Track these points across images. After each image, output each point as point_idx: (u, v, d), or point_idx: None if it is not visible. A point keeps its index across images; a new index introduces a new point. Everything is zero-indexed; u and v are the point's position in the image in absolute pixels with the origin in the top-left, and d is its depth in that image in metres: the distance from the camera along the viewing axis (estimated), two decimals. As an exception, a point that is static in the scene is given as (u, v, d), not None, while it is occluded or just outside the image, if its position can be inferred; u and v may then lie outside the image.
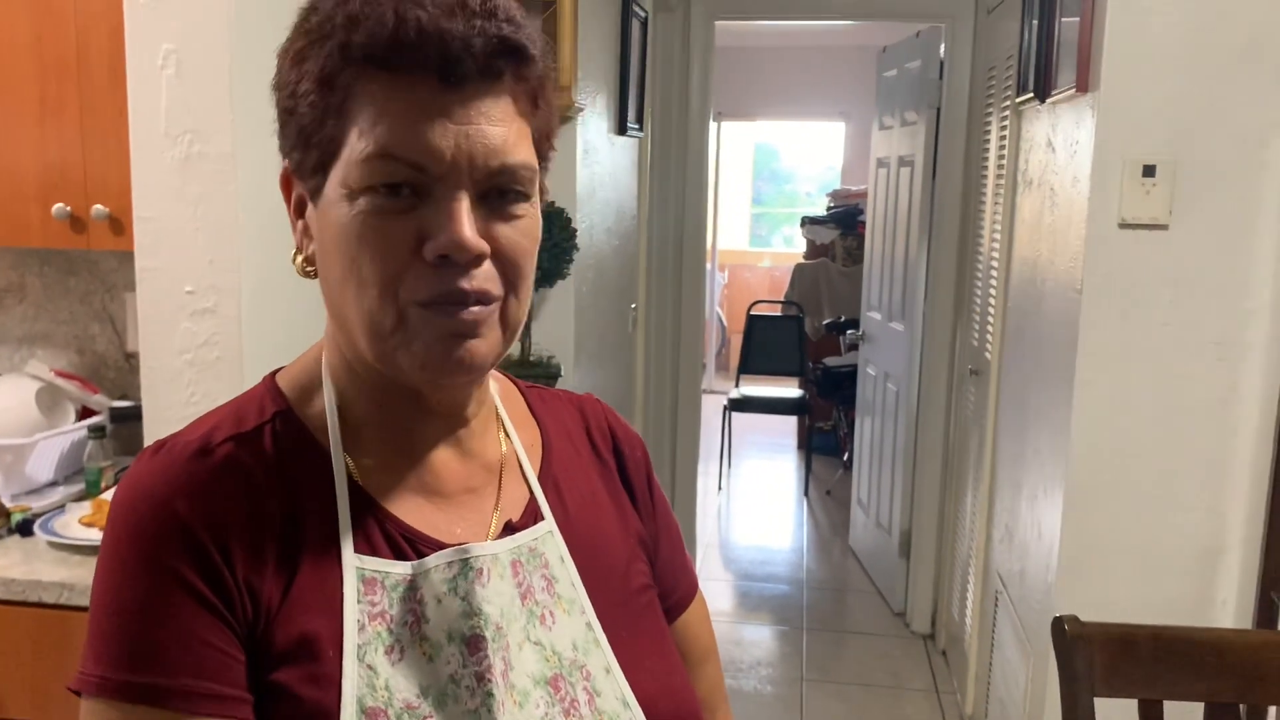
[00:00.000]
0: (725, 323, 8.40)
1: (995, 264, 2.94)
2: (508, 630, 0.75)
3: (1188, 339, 1.89)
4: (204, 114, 1.68)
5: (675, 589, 0.93)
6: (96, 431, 2.01)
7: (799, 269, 6.35)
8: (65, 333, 2.30)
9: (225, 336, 1.73)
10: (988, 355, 2.97)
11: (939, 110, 3.68)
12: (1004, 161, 2.87)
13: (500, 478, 0.83)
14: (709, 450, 5.29)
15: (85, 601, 0.71)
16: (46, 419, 2.11)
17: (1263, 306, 1.86)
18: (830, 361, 5.82)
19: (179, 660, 0.68)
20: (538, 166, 0.75)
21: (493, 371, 0.88)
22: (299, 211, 0.77)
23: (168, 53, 1.68)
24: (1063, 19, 2.13)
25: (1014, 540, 2.50)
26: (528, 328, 2.34)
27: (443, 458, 0.80)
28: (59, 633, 1.68)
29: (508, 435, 0.86)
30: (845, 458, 5.70)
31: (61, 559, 1.77)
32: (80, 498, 2.03)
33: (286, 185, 0.78)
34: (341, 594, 0.72)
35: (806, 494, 5.57)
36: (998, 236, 2.92)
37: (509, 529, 0.80)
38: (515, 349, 2.31)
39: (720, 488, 5.64)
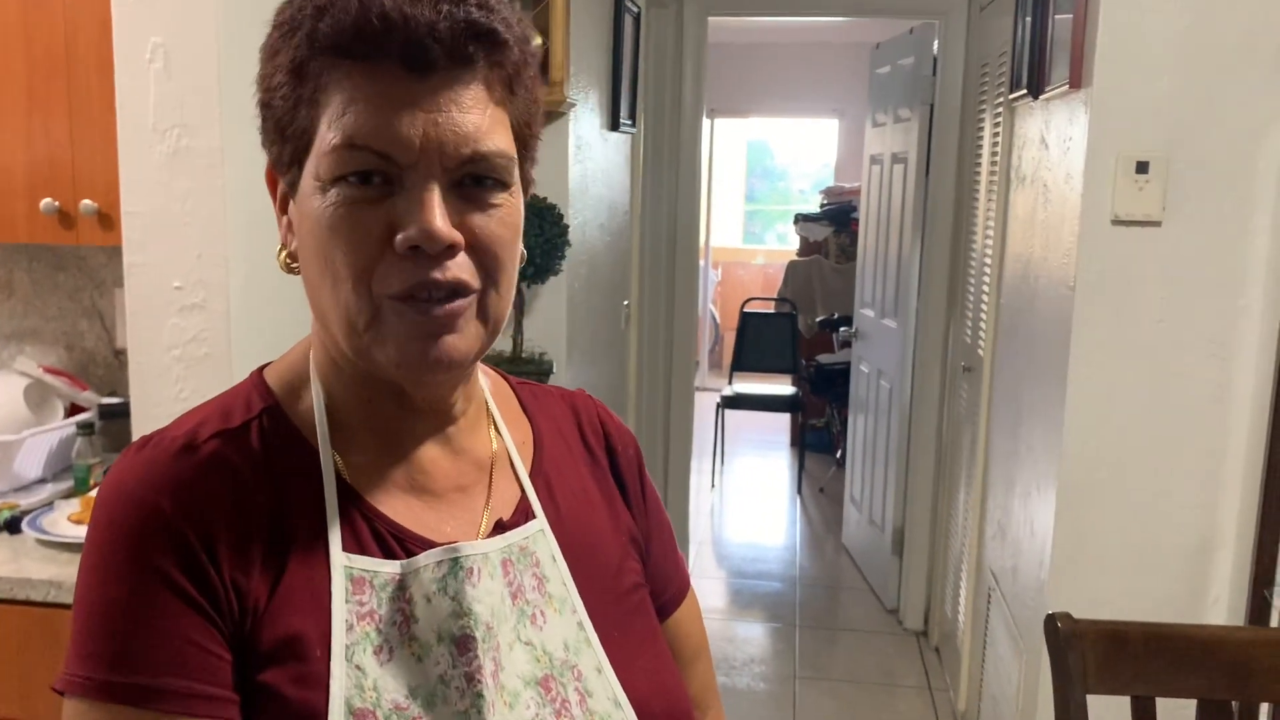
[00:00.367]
0: (718, 320, 8.40)
1: (988, 261, 2.94)
2: (498, 630, 0.74)
3: (1181, 336, 1.89)
4: (192, 108, 1.67)
5: (667, 587, 0.92)
6: (85, 428, 2.00)
7: (792, 266, 6.35)
8: (54, 329, 2.29)
9: (214, 332, 1.72)
10: (981, 352, 2.97)
11: (932, 107, 3.68)
12: (997, 158, 2.87)
13: (491, 475, 0.82)
14: (702, 447, 5.29)
15: (73, 599, 0.70)
16: (35, 416, 2.09)
17: (1255, 303, 1.86)
18: (823, 358, 5.82)
19: (164, 660, 0.67)
20: (515, 155, 0.74)
21: (484, 368, 0.88)
22: (283, 207, 0.77)
23: (155, 46, 1.67)
24: (1056, 15, 2.12)
25: (1007, 537, 2.50)
26: (519, 324, 2.33)
27: (432, 455, 0.79)
28: (47, 631, 1.67)
29: (498, 432, 0.85)
30: (838, 455, 5.71)
31: (50, 556, 1.75)
32: (69, 495, 2.01)
33: (271, 181, 0.77)
34: (329, 593, 0.71)
35: (799, 491, 5.57)
36: (991, 233, 2.92)
37: (499, 527, 0.79)
38: (507, 345, 2.30)
39: (713, 485, 5.64)
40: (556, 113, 2.35)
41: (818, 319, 5.92)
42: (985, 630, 2.78)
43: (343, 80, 0.69)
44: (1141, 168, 1.85)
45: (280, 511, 0.73)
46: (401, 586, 0.73)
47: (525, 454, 0.85)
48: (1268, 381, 1.86)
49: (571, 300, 2.54)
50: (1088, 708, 1.37)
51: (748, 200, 9.20)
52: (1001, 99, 2.83)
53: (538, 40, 2.08)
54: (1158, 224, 1.86)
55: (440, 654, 0.71)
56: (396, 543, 0.75)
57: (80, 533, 1.78)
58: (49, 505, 1.95)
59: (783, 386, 6.02)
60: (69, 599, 1.65)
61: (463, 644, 0.72)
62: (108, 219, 1.89)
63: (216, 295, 1.71)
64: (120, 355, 2.25)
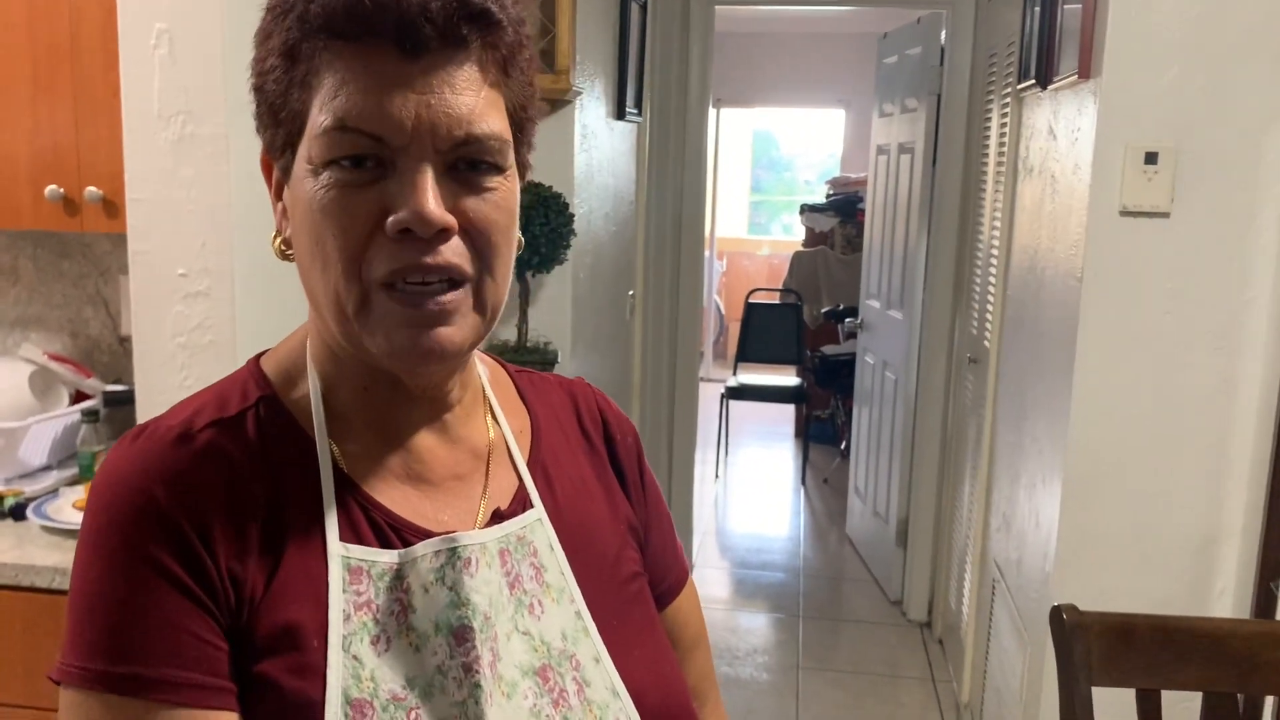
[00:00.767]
0: (723, 310, 8.38)
1: (995, 252, 2.93)
2: (496, 620, 0.73)
3: (1188, 328, 1.88)
4: (197, 95, 1.67)
5: (666, 576, 0.92)
6: (90, 415, 2.00)
7: (797, 257, 6.34)
8: (58, 316, 2.29)
9: (218, 319, 1.72)
10: (987, 344, 2.96)
11: (939, 97, 3.66)
12: (1005, 149, 2.86)
13: (488, 464, 0.82)
14: (706, 438, 5.29)
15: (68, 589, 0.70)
16: (40, 403, 2.09)
17: (1263, 295, 1.85)
18: (828, 350, 5.81)
19: (160, 650, 0.66)
20: (509, 138, 0.73)
21: (482, 356, 0.87)
22: (278, 193, 0.76)
23: (160, 33, 1.66)
24: (1065, 5, 2.11)
25: (1011, 529, 2.49)
26: (524, 314, 2.33)
27: (428, 444, 0.79)
28: (52, 617, 1.67)
29: (496, 421, 0.84)
30: (843, 446, 5.70)
31: (55, 543, 1.76)
32: (73, 482, 2.02)
33: (267, 167, 0.77)
34: (326, 583, 0.70)
35: (803, 482, 5.57)
36: (998, 224, 2.91)
37: (497, 517, 0.79)
38: (512, 335, 2.29)
39: (717, 476, 5.64)
40: (562, 101, 2.35)
41: (823, 310, 5.91)
42: (989, 622, 2.78)
43: (334, 62, 0.68)
44: (1150, 158, 1.84)
45: (276, 501, 0.72)
46: (399, 576, 0.72)
47: (523, 443, 0.85)
48: (1275, 374, 1.86)
49: (576, 290, 2.54)
50: (1093, 700, 1.37)
51: (753, 190, 9.18)
52: (1009, 89, 2.82)
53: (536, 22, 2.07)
54: (1166, 215, 1.85)
55: (438, 644, 0.71)
56: (393, 532, 0.74)
57: (84, 520, 1.79)
58: (54, 492, 1.95)
59: (787, 377, 6.01)
60: (73, 586, 1.66)
61: (460, 634, 0.71)
62: (112, 206, 1.89)
63: (221, 282, 1.71)
64: (125, 342, 2.25)
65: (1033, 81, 2.35)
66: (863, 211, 5.25)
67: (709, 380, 7.05)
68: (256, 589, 0.69)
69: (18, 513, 1.85)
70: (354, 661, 0.69)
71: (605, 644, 0.78)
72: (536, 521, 0.80)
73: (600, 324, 2.94)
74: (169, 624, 0.67)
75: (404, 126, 0.67)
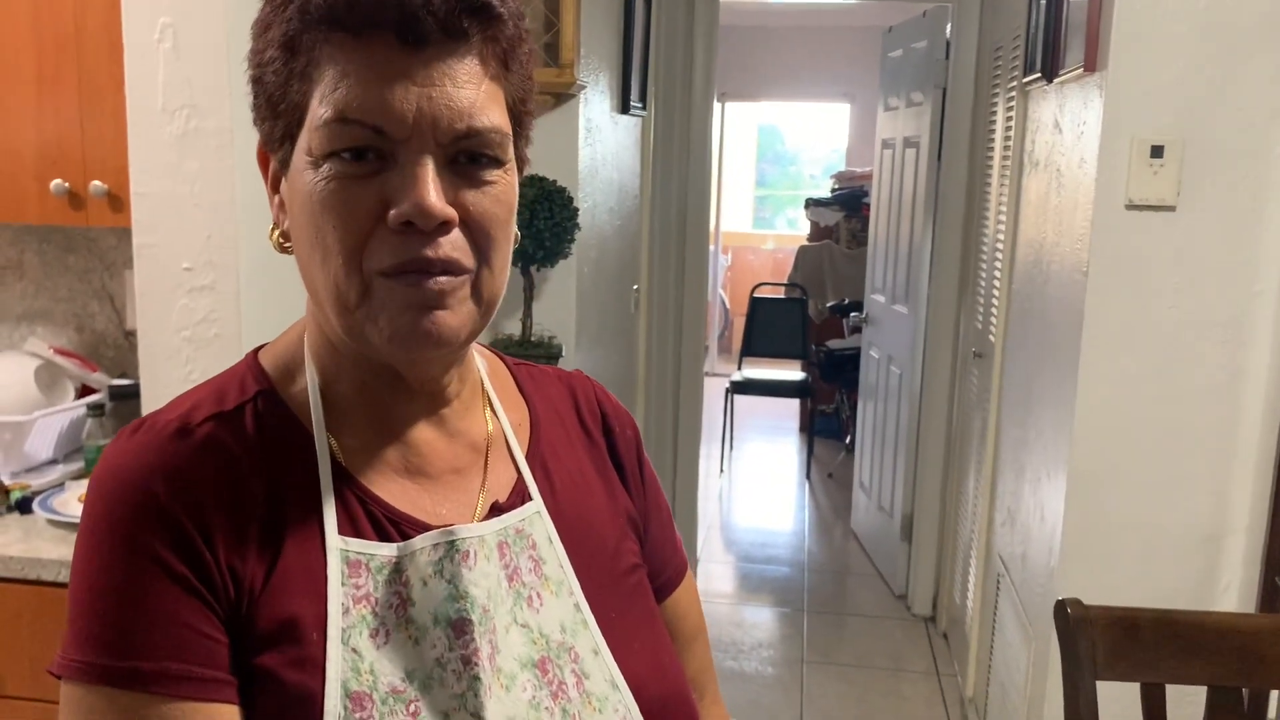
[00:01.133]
0: (728, 305, 8.38)
1: (1000, 246, 2.92)
2: (494, 613, 0.73)
3: (1194, 321, 1.87)
4: (201, 88, 1.67)
5: (665, 568, 0.92)
6: (95, 409, 2.01)
7: (802, 251, 6.33)
8: (64, 310, 2.29)
9: (223, 313, 1.72)
10: (992, 338, 2.96)
11: (945, 91, 3.65)
12: (1010, 142, 2.85)
13: (486, 457, 0.82)
14: (711, 433, 5.29)
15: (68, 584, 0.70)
16: (45, 397, 2.10)
17: (1270, 289, 1.85)
18: (833, 344, 5.81)
19: (160, 644, 0.66)
20: (510, 131, 0.73)
21: (480, 349, 0.87)
22: (275, 186, 0.76)
23: (164, 27, 1.66)
24: (1071, -3, 2.10)
25: (1016, 523, 2.49)
26: (529, 308, 2.33)
27: (426, 437, 0.79)
28: (58, 610, 1.68)
29: (494, 414, 0.84)
30: (847, 440, 5.70)
31: (61, 537, 1.76)
32: (79, 476, 2.02)
33: (263, 160, 0.76)
34: (325, 576, 0.70)
35: (808, 477, 5.57)
36: (1003, 218, 2.90)
37: (495, 510, 0.79)
38: (516, 329, 2.30)
39: (722, 470, 5.64)
40: (567, 95, 2.34)
41: (828, 304, 5.90)
42: (994, 616, 2.78)
43: (335, 54, 0.68)
44: (1156, 152, 1.83)
45: (275, 495, 0.72)
46: (398, 569, 0.72)
47: (522, 436, 0.85)
48: (1281, 368, 1.85)
49: (581, 284, 2.54)
50: (1097, 694, 1.37)
51: (758, 185, 9.17)
52: (1015, 82, 2.81)
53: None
54: (1172, 208, 1.85)
55: (437, 637, 0.71)
56: (392, 525, 0.74)
57: (90, 513, 1.79)
58: (60, 486, 1.96)
59: (792, 372, 6.01)
60: (79, 579, 1.66)
61: (459, 627, 0.71)
62: (118, 200, 1.89)
63: (226, 276, 1.71)
64: (130, 336, 2.25)
65: (1038, 75, 2.34)
66: (868, 206, 5.25)
67: (714, 375, 7.06)
68: (255, 582, 0.69)
69: (24, 506, 1.86)
70: (353, 654, 0.69)
71: (604, 636, 0.78)
72: (535, 514, 0.80)
73: (605, 318, 2.94)
74: (169, 617, 0.67)
75: (405, 119, 0.67)
